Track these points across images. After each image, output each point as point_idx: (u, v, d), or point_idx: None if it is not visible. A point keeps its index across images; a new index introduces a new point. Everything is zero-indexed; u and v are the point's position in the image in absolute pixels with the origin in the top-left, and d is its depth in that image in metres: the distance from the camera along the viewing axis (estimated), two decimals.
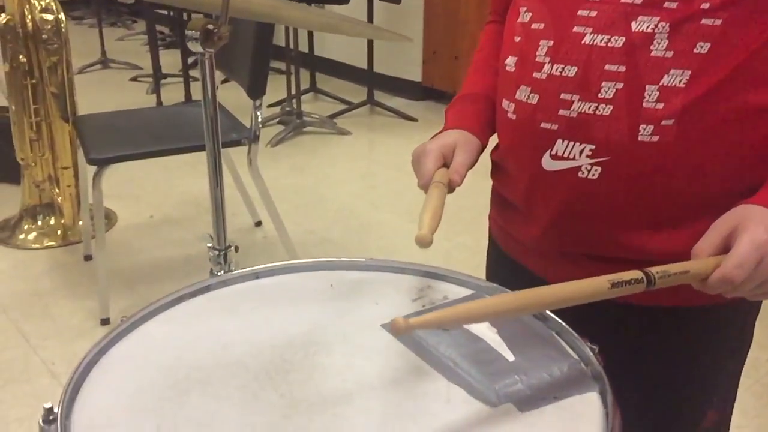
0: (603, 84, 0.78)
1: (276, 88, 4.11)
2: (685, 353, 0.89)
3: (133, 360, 0.72)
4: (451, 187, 0.86)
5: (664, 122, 0.77)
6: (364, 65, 4.28)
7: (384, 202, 3.08)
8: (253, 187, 2.40)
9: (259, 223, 2.82)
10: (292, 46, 4.04)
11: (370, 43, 4.19)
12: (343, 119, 4.07)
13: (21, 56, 2.45)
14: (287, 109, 4.02)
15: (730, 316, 0.90)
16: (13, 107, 2.52)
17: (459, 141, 0.90)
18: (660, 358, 0.89)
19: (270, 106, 4.13)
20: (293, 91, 4.01)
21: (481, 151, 0.93)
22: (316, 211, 2.99)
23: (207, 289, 0.85)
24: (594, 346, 0.73)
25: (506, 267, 0.99)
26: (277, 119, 3.96)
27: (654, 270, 0.68)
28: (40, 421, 0.63)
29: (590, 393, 0.68)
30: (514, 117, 0.87)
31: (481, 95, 0.96)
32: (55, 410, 0.63)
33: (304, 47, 4.23)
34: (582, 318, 0.77)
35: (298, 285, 0.86)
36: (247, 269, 0.88)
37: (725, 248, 0.72)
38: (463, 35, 4.15)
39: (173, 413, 0.64)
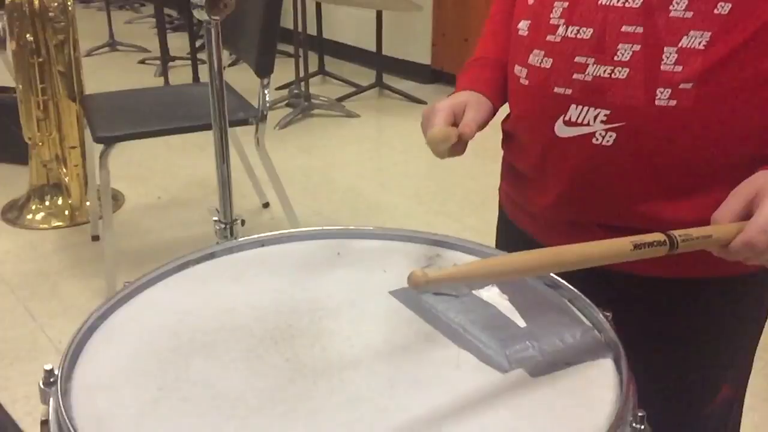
0: (619, 46, 0.76)
1: (284, 71, 4.09)
2: (700, 325, 0.87)
3: (136, 324, 0.71)
4: (462, 141, 0.83)
5: (682, 86, 0.74)
6: (372, 48, 4.24)
7: (392, 185, 3.07)
8: (261, 168, 2.39)
9: (266, 205, 2.81)
10: (300, 28, 4.01)
11: (378, 26, 4.15)
12: (352, 102, 4.05)
13: (27, 35, 2.44)
14: (295, 91, 4.00)
15: (748, 289, 0.87)
16: (20, 86, 2.51)
17: (470, 100, 0.87)
18: (674, 330, 0.87)
19: (278, 88, 4.10)
20: (301, 74, 3.98)
21: (493, 114, 0.90)
22: (323, 193, 2.97)
23: (212, 256, 0.83)
24: (607, 313, 0.71)
25: (516, 239, 0.97)
26: (285, 102, 3.94)
27: (677, 233, 0.66)
28: (41, 383, 0.62)
29: (604, 359, 0.66)
30: (526, 83, 0.85)
31: (494, 59, 0.94)
32: (56, 372, 0.62)
33: (312, 30, 4.20)
34: (596, 289, 0.75)
35: (304, 253, 0.85)
36: (253, 237, 0.86)
37: (747, 214, 0.70)
38: (473, 17, 4.11)
39: (176, 376, 0.63)
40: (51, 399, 0.60)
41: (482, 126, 0.87)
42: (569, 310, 0.74)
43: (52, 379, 0.61)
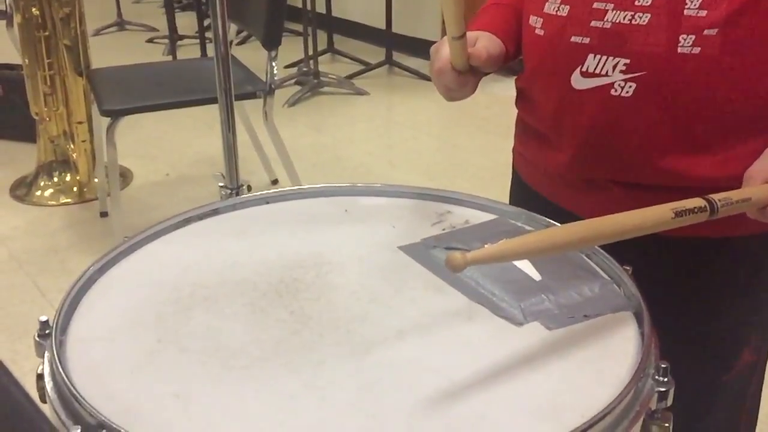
0: None
1: (293, 50, 4.05)
2: (722, 285, 0.84)
3: (135, 278, 0.68)
4: (472, 76, 0.80)
5: (706, 32, 0.71)
6: (382, 26, 4.19)
7: (402, 162, 3.04)
8: (270, 146, 2.36)
9: (275, 182, 2.79)
10: (309, 6, 3.97)
11: (388, 3, 4.10)
12: (361, 80, 4.00)
13: (33, 8, 2.41)
14: (304, 69, 3.96)
15: None
16: (27, 61, 2.48)
17: (481, 35, 0.83)
18: (695, 289, 0.84)
19: (287, 66, 4.07)
20: (310, 52, 3.94)
21: (504, 56, 0.85)
22: (333, 170, 2.94)
23: (215, 212, 0.81)
24: (627, 267, 0.68)
25: (530, 201, 0.93)
26: (294, 80, 3.90)
27: (716, 197, 0.63)
28: (36, 336, 0.60)
29: (624, 312, 0.63)
30: (542, 33, 0.81)
31: (507, 4, 0.90)
32: (51, 324, 0.59)
33: (321, 8, 4.15)
34: (615, 248, 0.72)
35: (310, 209, 0.82)
36: (257, 193, 0.84)
37: None
38: None
39: (175, 328, 0.60)
40: (46, 351, 0.58)
41: (494, 60, 0.82)
42: (587, 265, 0.71)
43: (47, 331, 0.59)
